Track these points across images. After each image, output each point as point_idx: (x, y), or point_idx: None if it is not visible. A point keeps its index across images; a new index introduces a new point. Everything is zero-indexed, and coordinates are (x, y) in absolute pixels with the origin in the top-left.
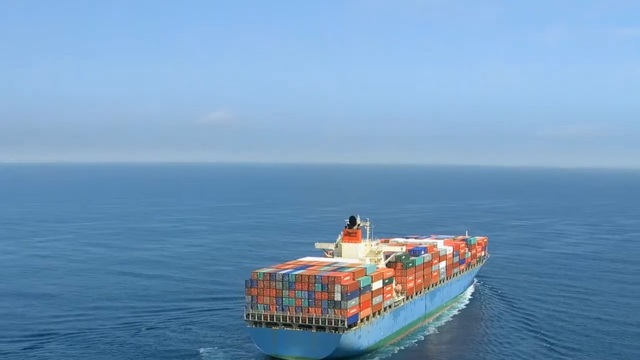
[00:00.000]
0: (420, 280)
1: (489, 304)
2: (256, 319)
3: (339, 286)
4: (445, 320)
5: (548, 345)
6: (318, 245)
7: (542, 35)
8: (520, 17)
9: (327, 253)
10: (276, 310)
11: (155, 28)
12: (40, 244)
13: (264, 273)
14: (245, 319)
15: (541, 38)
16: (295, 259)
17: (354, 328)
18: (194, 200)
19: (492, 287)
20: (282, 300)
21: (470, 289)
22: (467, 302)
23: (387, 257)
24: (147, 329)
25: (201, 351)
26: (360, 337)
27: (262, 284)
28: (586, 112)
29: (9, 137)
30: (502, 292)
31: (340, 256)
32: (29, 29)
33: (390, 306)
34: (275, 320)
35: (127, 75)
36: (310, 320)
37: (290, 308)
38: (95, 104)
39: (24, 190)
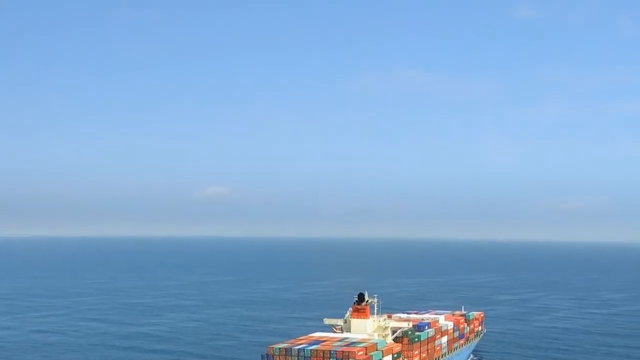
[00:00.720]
0: (424, 355)
1: None
2: None
3: None
4: None
5: None
6: (327, 321)
7: (540, 109)
8: (519, 91)
9: (335, 328)
10: None
11: (154, 101)
12: (37, 320)
13: (279, 348)
14: None
15: (540, 112)
16: (307, 334)
17: None
18: (187, 275)
19: None
20: None
21: None
22: None
23: (393, 332)
24: None
25: None
26: None
27: (278, 358)
28: (586, 186)
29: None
30: None
31: (349, 331)
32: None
33: None
34: None
35: (126, 149)
36: None
37: None
38: (91, 177)
39: (15, 265)
